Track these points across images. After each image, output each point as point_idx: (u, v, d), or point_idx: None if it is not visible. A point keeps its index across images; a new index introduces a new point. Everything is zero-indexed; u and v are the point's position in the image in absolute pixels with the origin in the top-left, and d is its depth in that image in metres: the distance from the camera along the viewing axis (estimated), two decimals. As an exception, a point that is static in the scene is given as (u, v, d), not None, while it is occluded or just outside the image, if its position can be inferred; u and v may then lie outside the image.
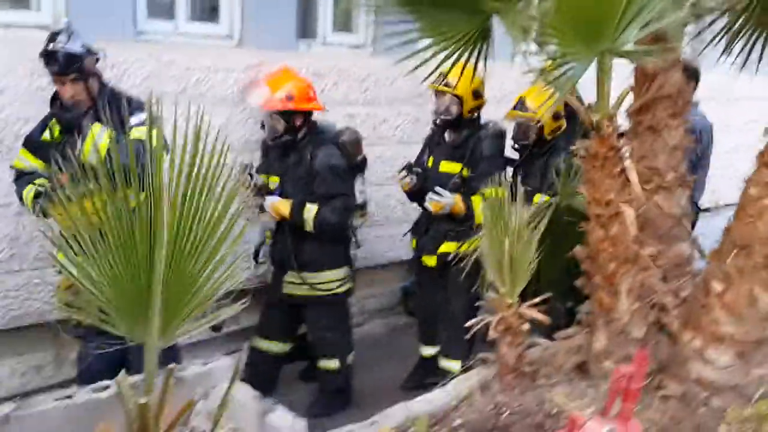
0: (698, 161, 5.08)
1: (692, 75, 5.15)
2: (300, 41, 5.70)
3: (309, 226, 4.58)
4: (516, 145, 4.99)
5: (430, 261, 5.07)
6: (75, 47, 3.79)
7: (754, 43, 4.56)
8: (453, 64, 3.65)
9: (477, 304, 4.73)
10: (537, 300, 3.77)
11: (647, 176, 4.10)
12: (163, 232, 2.11)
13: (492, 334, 3.71)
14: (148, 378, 2.18)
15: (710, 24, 6.11)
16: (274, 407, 3.12)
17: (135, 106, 3.90)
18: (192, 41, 5.21)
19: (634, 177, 3.60)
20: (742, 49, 4.50)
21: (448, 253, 4.80)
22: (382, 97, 5.79)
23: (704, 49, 4.46)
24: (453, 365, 4.86)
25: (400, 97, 6.01)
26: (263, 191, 4.74)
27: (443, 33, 3.57)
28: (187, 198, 2.17)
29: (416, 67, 3.56)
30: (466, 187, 4.87)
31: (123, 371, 2.26)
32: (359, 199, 5.03)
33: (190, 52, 5.03)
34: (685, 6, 3.43)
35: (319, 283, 4.76)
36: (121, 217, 2.10)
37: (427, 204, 4.93)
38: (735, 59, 4.47)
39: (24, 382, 4.65)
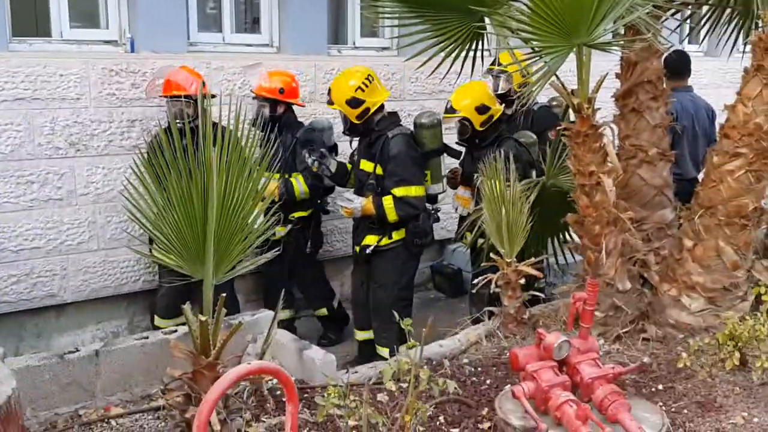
0: (678, 138, 5.56)
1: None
2: (331, 47, 6.42)
3: None
4: (458, 141, 5.38)
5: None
6: None
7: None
8: (453, 62, 4.27)
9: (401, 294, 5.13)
10: (533, 259, 4.39)
11: (632, 152, 4.69)
12: (213, 193, 2.82)
13: (495, 288, 4.33)
14: (207, 304, 2.89)
15: (688, 17, 6.62)
16: (309, 345, 3.80)
17: None
18: (237, 50, 5.95)
19: (611, 150, 4.18)
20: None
21: (368, 245, 5.06)
22: (406, 93, 6.46)
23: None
24: (383, 352, 5.05)
25: (424, 92, 6.68)
26: None
27: (444, 33, 4.21)
28: (231, 166, 2.88)
29: (422, 64, 4.22)
30: (380, 187, 4.99)
31: (188, 303, 2.98)
32: None
33: (235, 59, 5.76)
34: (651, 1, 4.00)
35: None
36: (182, 181, 2.82)
37: (339, 210, 5.22)
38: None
39: (103, 346, 5.43)
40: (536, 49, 3.91)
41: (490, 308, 4.51)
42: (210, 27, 5.97)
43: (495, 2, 3.92)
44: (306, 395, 3.47)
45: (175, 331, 3.75)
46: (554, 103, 5.97)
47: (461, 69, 4.37)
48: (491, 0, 3.91)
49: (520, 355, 2.98)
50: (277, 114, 5.45)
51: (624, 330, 4.25)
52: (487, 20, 4.18)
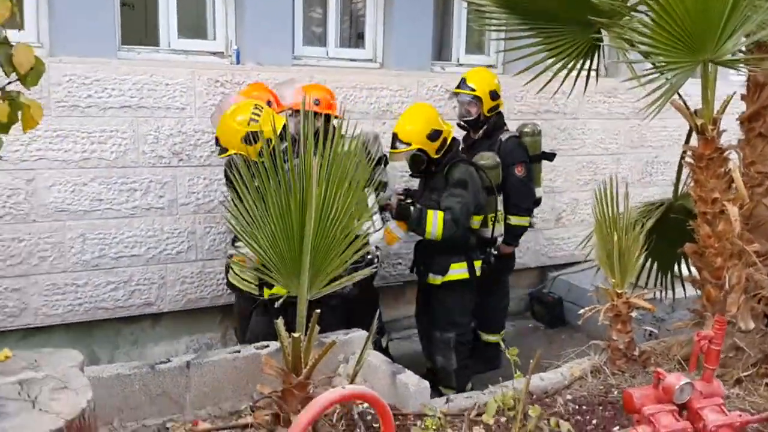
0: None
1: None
2: (435, 63, 6.28)
3: None
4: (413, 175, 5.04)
5: None
6: None
7: None
8: (566, 76, 4.04)
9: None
10: (645, 290, 4.09)
11: (758, 180, 4.30)
12: (311, 206, 2.69)
13: (603, 319, 4.04)
14: (300, 320, 2.75)
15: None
16: (402, 369, 3.62)
17: None
18: (341, 64, 5.89)
19: (737, 176, 3.86)
20: None
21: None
22: (511, 112, 6.23)
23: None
24: None
25: (530, 111, 6.45)
26: None
27: (557, 47, 3.99)
28: (330, 180, 2.75)
29: (531, 80, 4.01)
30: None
31: (281, 318, 2.85)
32: None
33: (339, 74, 5.70)
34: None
35: None
36: (280, 191, 2.70)
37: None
38: None
39: (196, 358, 5.41)
40: (658, 64, 3.66)
41: (596, 341, 4.23)
42: (314, 41, 5.93)
43: (615, 13, 3.68)
44: (398, 422, 3.28)
45: (267, 346, 3.63)
46: (526, 129, 5.50)
47: (573, 86, 4.13)
48: (611, 10, 3.67)
49: (635, 395, 2.72)
50: None
51: (745, 373, 3.89)
52: (603, 32, 3.94)
